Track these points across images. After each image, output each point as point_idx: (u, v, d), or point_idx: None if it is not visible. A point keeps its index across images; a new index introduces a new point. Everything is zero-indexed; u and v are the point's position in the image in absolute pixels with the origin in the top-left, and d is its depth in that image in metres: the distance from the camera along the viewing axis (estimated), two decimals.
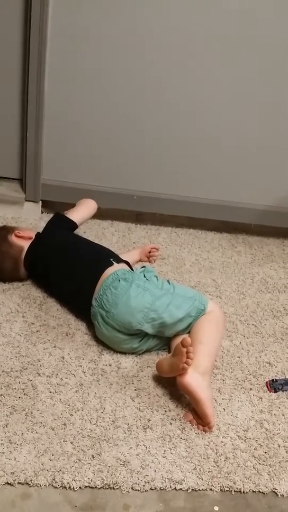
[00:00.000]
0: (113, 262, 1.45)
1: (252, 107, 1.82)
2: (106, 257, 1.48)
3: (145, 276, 1.40)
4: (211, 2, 1.64)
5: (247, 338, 1.52)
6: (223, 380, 1.35)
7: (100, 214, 1.96)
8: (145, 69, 1.74)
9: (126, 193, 1.94)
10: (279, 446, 1.20)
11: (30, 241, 1.58)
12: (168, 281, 1.42)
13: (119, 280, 1.36)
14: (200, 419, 1.20)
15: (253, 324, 1.58)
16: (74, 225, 1.65)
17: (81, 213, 1.71)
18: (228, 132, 1.86)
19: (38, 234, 1.61)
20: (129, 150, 1.88)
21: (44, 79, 1.71)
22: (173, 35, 1.69)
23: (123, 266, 1.46)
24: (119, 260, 1.49)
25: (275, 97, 1.81)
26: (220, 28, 1.68)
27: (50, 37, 1.66)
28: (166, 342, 1.41)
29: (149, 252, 1.79)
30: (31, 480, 1.04)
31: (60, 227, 1.63)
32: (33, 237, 1.59)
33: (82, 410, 1.20)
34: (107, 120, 1.82)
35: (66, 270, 1.49)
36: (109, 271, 1.40)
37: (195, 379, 1.19)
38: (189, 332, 1.36)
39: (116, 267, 1.43)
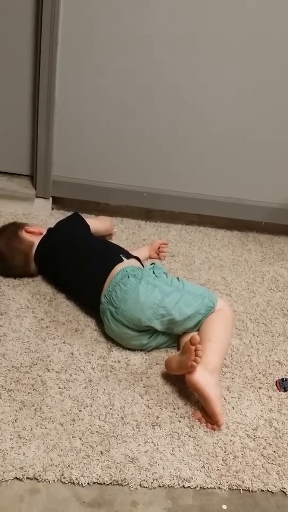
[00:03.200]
0: (123, 258, 1.44)
1: (262, 104, 1.81)
2: (115, 253, 1.48)
3: (154, 273, 1.40)
4: (217, 2, 1.63)
5: (257, 336, 1.51)
6: (232, 378, 1.35)
7: (110, 211, 1.96)
8: (154, 68, 1.74)
9: (136, 190, 1.94)
10: None
11: (40, 237, 1.58)
12: (177, 278, 1.42)
13: (128, 277, 1.36)
14: (209, 417, 1.20)
15: (263, 323, 1.57)
16: (87, 227, 1.64)
17: (96, 223, 1.72)
18: (238, 130, 1.85)
19: (49, 230, 1.62)
20: (140, 147, 1.88)
21: (55, 77, 1.72)
22: (180, 33, 1.67)
23: (133, 262, 1.46)
24: (129, 256, 1.48)
25: (283, 94, 1.79)
26: (224, 26, 1.67)
27: (62, 35, 1.66)
28: (175, 339, 1.41)
29: (158, 248, 1.79)
30: (39, 476, 1.04)
31: (72, 225, 1.64)
32: (44, 233, 1.60)
33: (91, 406, 1.20)
34: (117, 118, 1.82)
35: (75, 266, 1.49)
36: (119, 267, 1.40)
37: (203, 377, 1.19)
38: (198, 330, 1.35)
39: (125, 263, 1.42)
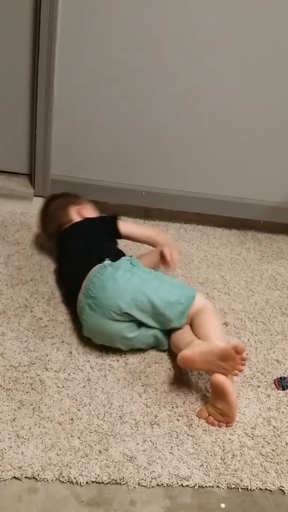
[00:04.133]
0: (106, 260, 1.38)
1: (260, 102, 1.81)
2: (100, 256, 1.41)
3: (132, 264, 1.38)
4: (214, 1, 1.63)
5: (256, 335, 1.51)
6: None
7: (108, 210, 1.95)
8: (154, 66, 1.74)
9: (134, 188, 1.94)
10: (286, 444, 1.19)
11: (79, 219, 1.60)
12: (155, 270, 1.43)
13: (105, 267, 1.35)
14: (218, 415, 1.20)
15: (261, 321, 1.57)
16: (117, 233, 1.59)
17: (137, 227, 1.68)
18: (236, 128, 1.85)
19: (83, 220, 1.61)
20: (138, 146, 1.88)
21: (53, 75, 1.71)
22: (177, 33, 1.68)
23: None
24: (117, 259, 1.41)
25: (282, 93, 1.79)
26: (222, 26, 1.67)
27: (60, 34, 1.65)
28: (164, 342, 1.37)
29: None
30: (38, 475, 1.04)
31: (99, 225, 1.60)
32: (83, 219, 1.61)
33: (90, 405, 1.20)
34: (115, 117, 1.82)
35: (67, 266, 1.52)
36: (97, 267, 1.38)
37: (229, 381, 1.19)
38: (181, 329, 1.34)
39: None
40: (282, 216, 2.01)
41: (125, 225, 1.63)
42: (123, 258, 1.43)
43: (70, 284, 1.47)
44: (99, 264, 1.38)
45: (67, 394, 1.22)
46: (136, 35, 1.68)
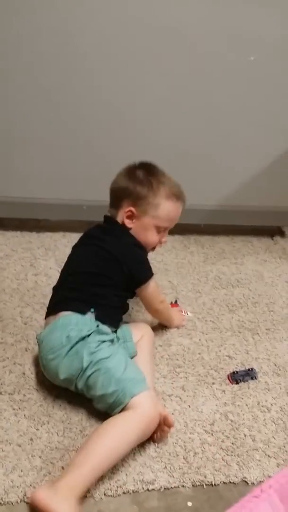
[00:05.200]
0: (89, 313, 1.25)
1: (192, 108, 1.87)
2: (86, 301, 1.27)
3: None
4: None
5: (206, 334, 1.55)
6: (186, 377, 1.37)
7: (51, 227, 1.96)
8: (85, 83, 1.76)
9: (75, 203, 1.94)
10: (245, 435, 1.23)
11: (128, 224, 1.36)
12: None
13: (69, 332, 1.21)
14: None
15: (210, 320, 1.61)
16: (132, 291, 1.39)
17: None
18: (170, 137, 1.90)
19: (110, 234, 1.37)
20: (74, 160, 1.89)
21: None
22: (98, 43, 1.72)
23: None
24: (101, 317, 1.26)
25: (211, 97, 1.87)
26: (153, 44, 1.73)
27: None
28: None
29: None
30: (1, 498, 1.01)
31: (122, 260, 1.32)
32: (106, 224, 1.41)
33: (48, 423, 1.19)
34: (47, 132, 1.82)
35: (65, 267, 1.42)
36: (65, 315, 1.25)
37: (45, 494, 0.98)
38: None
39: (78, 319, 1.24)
40: (221, 218, 2.08)
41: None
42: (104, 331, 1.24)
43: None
44: (73, 315, 1.24)
45: (24, 415, 1.20)
46: (62, 50, 1.70)
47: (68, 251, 1.86)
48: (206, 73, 1.82)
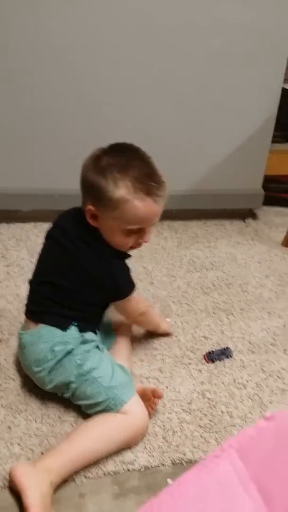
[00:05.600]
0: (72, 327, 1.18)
1: (157, 95, 1.87)
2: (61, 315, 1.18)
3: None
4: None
5: (181, 316, 1.56)
6: (163, 360, 1.38)
7: (22, 217, 1.94)
8: (51, 70, 1.74)
9: (46, 193, 1.93)
10: (222, 412, 1.25)
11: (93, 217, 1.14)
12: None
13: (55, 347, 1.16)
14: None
15: (185, 303, 1.63)
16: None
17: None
18: (138, 123, 1.90)
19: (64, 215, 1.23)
20: (43, 148, 1.86)
21: None
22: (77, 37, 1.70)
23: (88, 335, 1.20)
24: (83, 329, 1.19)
25: (178, 84, 1.87)
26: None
27: None
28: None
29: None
30: None
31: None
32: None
33: (26, 411, 1.19)
34: (13, 118, 1.79)
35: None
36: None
37: (23, 470, 1.00)
38: None
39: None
40: (192, 203, 2.09)
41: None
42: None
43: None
44: (55, 330, 1.17)
45: (1, 405, 1.19)
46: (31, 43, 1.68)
47: (40, 241, 1.82)
48: (171, 57, 1.81)
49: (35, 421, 1.17)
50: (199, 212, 2.15)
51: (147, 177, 1.10)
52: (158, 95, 1.87)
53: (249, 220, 2.20)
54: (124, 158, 1.11)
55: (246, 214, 2.23)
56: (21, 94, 1.76)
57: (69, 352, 1.15)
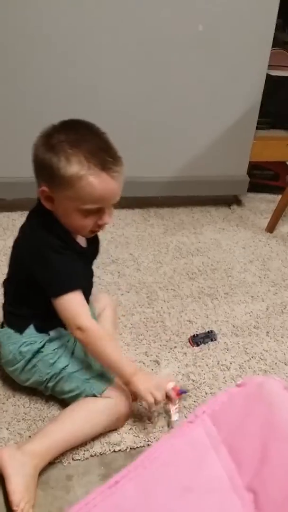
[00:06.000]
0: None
1: (142, 82, 1.87)
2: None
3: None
4: None
5: (167, 302, 1.59)
6: (148, 344, 1.41)
7: (8, 206, 1.94)
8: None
9: (31, 181, 1.92)
10: (206, 393, 1.28)
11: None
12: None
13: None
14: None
15: (171, 289, 1.65)
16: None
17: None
18: (124, 111, 1.90)
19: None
20: (25, 135, 1.85)
21: None
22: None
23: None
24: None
25: (163, 69, 1.87)
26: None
27: None
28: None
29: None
30: None
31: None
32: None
33: (14, 397, 1.21)
34: None
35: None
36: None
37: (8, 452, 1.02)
38: None
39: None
40: (177, 189, 2.11)
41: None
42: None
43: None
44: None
45: None
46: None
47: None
48: (156, 43, 1.82)
49: (23, 406, 1.19)
50: (186, 199, 2.17)
51: (101, 151, 1.02)
52: (142, 83, 1.87)
53: (234, 207, 2.23)
54: (77, 134, 1.02)
55: (231, 201, 2.26)
56: (4, 82, 1.76)
57: (37, 352, 1.15)
